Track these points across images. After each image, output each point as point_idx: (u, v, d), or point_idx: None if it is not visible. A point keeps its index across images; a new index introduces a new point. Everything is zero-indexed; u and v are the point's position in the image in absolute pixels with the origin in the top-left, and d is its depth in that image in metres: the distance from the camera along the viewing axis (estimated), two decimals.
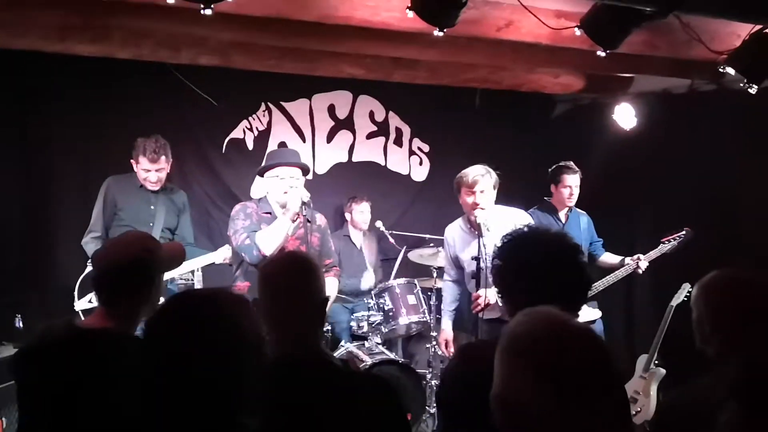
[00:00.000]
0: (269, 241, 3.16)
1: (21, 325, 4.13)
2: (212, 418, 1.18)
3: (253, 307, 1.36)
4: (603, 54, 3.00)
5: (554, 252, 1.74)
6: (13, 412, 3.95)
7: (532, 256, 1.73)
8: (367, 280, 4.98)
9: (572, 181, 4.32)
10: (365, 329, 4.46)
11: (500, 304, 3.33)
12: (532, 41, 3.34)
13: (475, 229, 3.53)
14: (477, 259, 3.32)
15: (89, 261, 3.93)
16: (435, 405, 1.77)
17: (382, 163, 5.80)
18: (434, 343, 4.80)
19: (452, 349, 3.79)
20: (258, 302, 1.69)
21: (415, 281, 4.72)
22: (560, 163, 4.39)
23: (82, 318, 3.79)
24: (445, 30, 2.68)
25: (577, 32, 2.96)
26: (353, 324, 4.58)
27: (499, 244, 1.84)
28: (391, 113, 5.77)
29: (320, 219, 3.57)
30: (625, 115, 5.02)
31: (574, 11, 3.22)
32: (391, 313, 4.50)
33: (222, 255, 3.77)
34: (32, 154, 4.60)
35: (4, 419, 3.58)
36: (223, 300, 1.28)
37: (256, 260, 3.16)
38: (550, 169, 4.43)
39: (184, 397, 1.18)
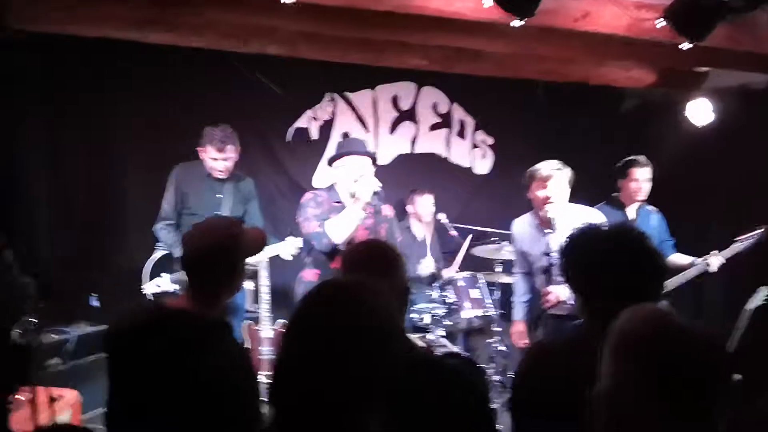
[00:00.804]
0: (340, 229, 3.18)
1: (97, 303, 4.29)
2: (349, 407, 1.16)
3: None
4: (688, 46, 2.90)
5: (623, 245, 1.71)
6: (90, 387, 4.13)
7: (599, 251, 1.71)
8: (425, 267, 4.92)
9: (641, 175, 4.13)
10: (427, 321, 4.44)
11: (570, 302, 3.32)
12: (608, 33, 3.25)
13: (544, 225, 3.48)
14: (548, 254, 3.27)
15: (157, 245, 4.02)
16: (508, 407, 1.73)
17: (445, 155, 5.77)
18: (497, 338, 4.77)
19: (526, 341, 3.74)
20: None
21: (479, 275, 4.68)
22: (629, 157, 4.22)
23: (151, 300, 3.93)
24: (524, 20, 2.63)
25: (660, 24, 2.87)
26: (414, 316, 4.56)
27: (565, 241, 1.82)
28: (455, 105, 5.73)
29: (388, 209, 3.57)
30: (699, 111, 4.85)
31: (655, 2, 3.13)
32: (454, 306, 4.48)
33: (290, 251, 3.77)
34: (106, 140, 4.74)
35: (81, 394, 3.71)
36: (370, 290, 1.25)
37: (326, 248, 3.19)
38: (617, 164, 4.29)
39: (324, 384, 1.15)
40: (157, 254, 4.02)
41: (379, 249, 1.81)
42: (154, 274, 3.96)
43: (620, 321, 1.15)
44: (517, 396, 1.71)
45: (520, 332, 3.78)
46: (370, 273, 1.70)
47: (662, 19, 2.85)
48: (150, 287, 3.92)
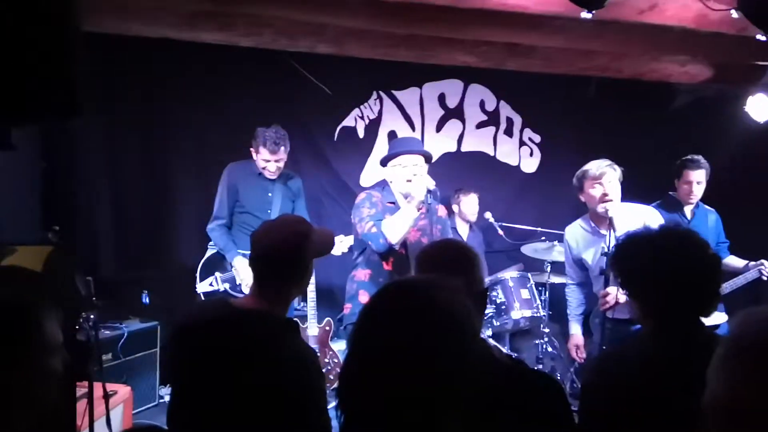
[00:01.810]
0: (395, 229, 3.13)
1: (147, 300, 4.34)
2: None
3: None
4: (763, 38, 2.78)
5: (682, 251, 1.66)
6: (141, 382, 4.17)
7: (652, 257, 1.66)
8: None
9: (695, 177, 4.02)
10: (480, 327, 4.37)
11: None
12: (675, 24, 3.14)
13: (600, 226, 3.38)
14: (607, 255, 3.17)
15: (209, 245, 4.07)
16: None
17: (492, 154, 5.69)
18: (545, 339, 4.69)
19: (583, 354, 3.65)
20: None
21: (529, 275, 4.60)
22: (686, 157, 4.10)
23: (203, 299, 3.96)
24: (594, 12, 2.55)
25: (734, 14, 2.76)
26: None
27: (616, 246, 1.79)
28: (502, 102, 5.65)
29: (441, 210, 3.52)
30: (759, 107, 4.68)
31: None
32: (503, 307, 4.41)
33: (340, 248, 3.77)
34: (156, 138, 4.78)
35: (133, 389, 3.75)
36: (440, 287, 1.20)
37: (382, 248, 3.15)
38: (677, 162, 4.18)
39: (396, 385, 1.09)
40: (208, 253, 4.07)
41: (455, 248, 1.76)
42: (206, 273, 4.02)
43: (734, 327, 1.09)
44: (585, 406, 1.65)
45: (579, 346, 3.67)
46: (447, 273, 1.65)
47: (735, 9, 2.73)
48: (202, 286, 3.98)
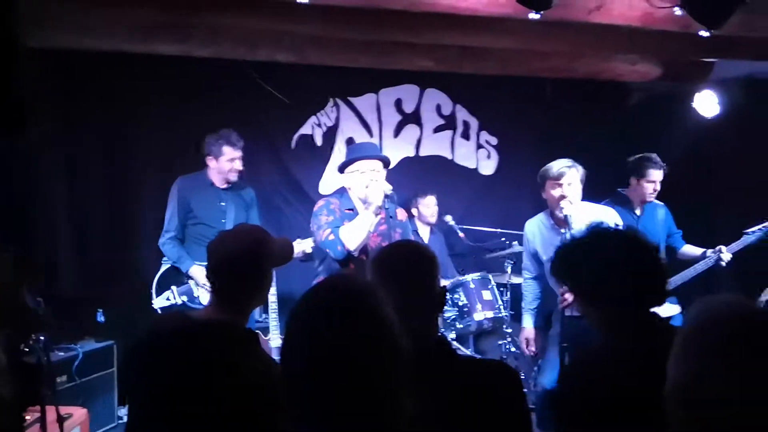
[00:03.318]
0: (353, 236, 3.10)
1: (102, 319, 4.22)
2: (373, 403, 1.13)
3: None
4: (706, 34, 2.85)
5: (625, 249, 1.71)
6: (97, 404, 4.04)
7: (602, 258, 1.70)
8: None
9: (657, 176, 4.09)
10: (438, 325, 4.37)
11: None
12: (621, 24, 3.21)
13: (559, 224, 3.42)
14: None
15: (164, 260, 3.99)
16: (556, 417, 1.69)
17: (450, 157, 5.72)
18: (508, 339, 4.70)
19: (533, 348, 3.69)
20: None
21: (490, 276, 4.62)
22: (645, 155, 4.13)
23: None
24: (541, 12, 2.58)
25: (678, 12, 2.83)
26: None
27: (563, 247, 1.83)
28: (458, 106, 5.68)
29: (401, 214, 3.50)
30: (706, 103, 4.81)
31: None
32: (465, 309, 4.42)
33: (299, 248, 3.73)
34: (114, 153, 4.68)
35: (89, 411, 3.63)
36: (364, 286, 1.24)
37: (340, 256, 3.12)
38: (631, 159, 4.20)
39: (337, 384, 1.12)
40: (163, 268, 3.99)
41: (416, 249, 1.75)
42: (161, 288, 3.95)
43: (692, 314, 1.10)
44: (564, 406, 1.65)
45: (529, 339, 3.72)
46: (404, 274, 1.64)
47: (678, 7, 2.79)
48: (159, 302, 3.89)
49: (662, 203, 4.31)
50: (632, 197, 4.20)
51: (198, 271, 3.84)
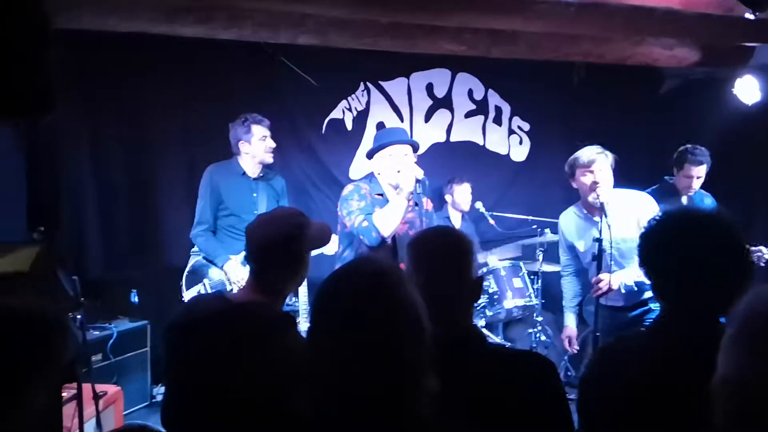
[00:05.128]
0: (387, 222, 3.08)
1: (137, 300, 4.27)
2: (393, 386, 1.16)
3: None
4: (752, 17, 2.75)
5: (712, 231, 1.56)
6: (131, 382, 4.12)
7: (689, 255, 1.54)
8: None
9: (696, 172, 4.03)
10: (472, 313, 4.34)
11: (623, 291, 3.20)
12: (661, 6, 3.11)
13: (593, 213, 3.36)
14: (599, 240, 3.14)
15: (193, 251, 3.88)
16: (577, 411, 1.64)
17: (481, 143, 5.65)
18: (538, 328, 4.67)
19: (576, 346, 3.62)
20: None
21: (521, 263, 4.58)
22: (688, 148, 4.07)
23: None
24: None
25: None
26: None
27: (648, 227, 1.65)
28: (490, 91, 5.61)
29: (427, 203, 3.44)
30: (747, 89, 4.67)
31: None
32: (496, 296, 4.39)
33: (331, 248, 3.56)
34: (141, 135, 4.67)
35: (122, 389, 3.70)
36: (385, 267, 1.27)
37: (375, 242, 3.09)
38: (678, 151, 4.14)
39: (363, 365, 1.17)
40: (192, 261, 3.87)
41: (453, 236, 1.72)
42: (191, 281, 3.83)
43: (744, 306, 1.06)
44: (585, 399, 1.61)
45: (571, 338, 3.61)
46: (446, 261, 1.62)
47: None
48: (190, 294, 3.79)
49: (708, 194, 4.23)
50: (678, 186, 4.15)
51: (232, 267, 3.68)
